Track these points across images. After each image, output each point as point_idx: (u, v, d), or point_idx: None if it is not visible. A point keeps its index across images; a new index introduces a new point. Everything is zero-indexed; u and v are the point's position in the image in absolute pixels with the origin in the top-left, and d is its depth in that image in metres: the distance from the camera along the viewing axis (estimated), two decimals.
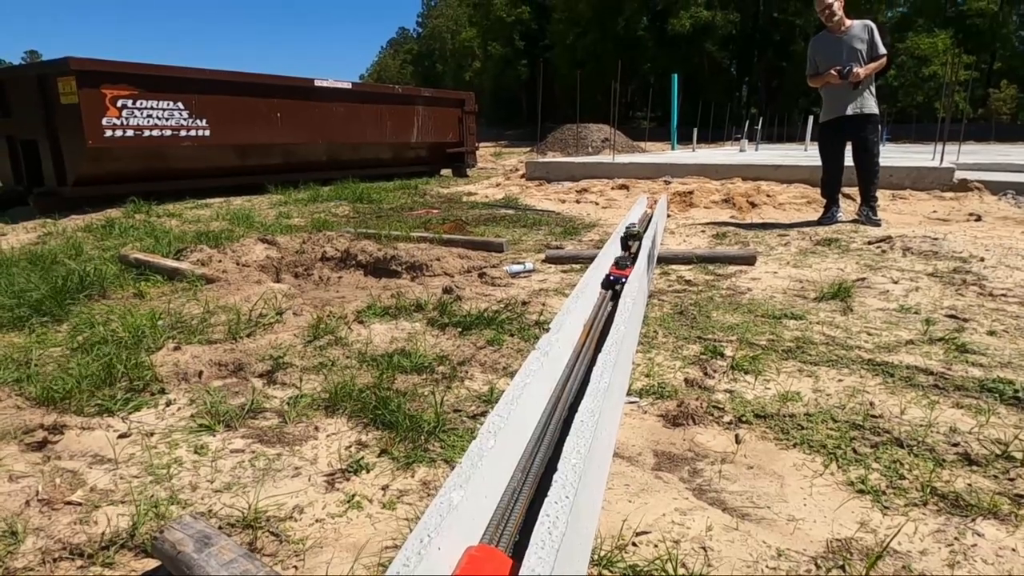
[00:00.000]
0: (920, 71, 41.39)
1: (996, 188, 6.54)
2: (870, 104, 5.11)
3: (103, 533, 1.32)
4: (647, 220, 4.29)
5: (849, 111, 5.09)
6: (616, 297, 2.17)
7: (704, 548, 1.25)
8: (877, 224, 5.15)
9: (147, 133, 7.12)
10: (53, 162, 6.83)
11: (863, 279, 3.42)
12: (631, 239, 3.03)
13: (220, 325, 2.68)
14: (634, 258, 2.67)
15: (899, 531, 1.28)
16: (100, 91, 6.63)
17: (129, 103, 6.91)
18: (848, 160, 5.31)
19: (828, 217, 5.38)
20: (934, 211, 6.00)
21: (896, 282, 3.36)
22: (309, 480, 1.53)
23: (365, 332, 2.62)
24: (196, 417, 1.85)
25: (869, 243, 4.44)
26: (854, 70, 4.95)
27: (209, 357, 2.26)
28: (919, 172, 6.90)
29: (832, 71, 5.03)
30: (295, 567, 1.23)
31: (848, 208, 5.75)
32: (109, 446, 1.68)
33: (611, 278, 2.42)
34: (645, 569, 1.18)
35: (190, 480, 1.53)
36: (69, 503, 1.43)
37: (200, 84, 7.66)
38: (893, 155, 11.15)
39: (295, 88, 8.89)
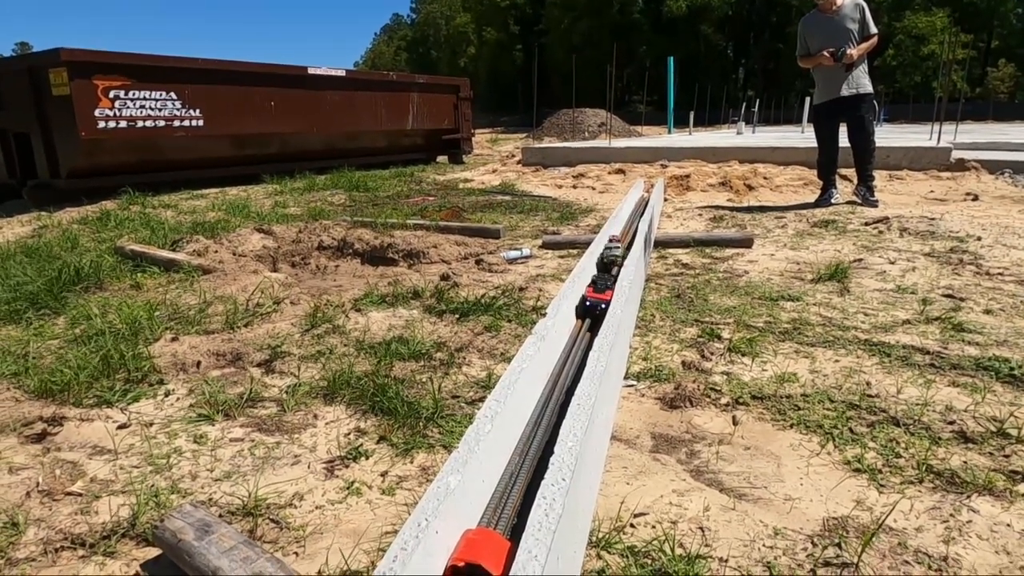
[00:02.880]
0: (918, 50, 41.17)
1: (993, 167, 6.51)
2: (864, 83, 5.07)
3: (104, 523, 1.33)
4: (644, 204, 4.28)
5: (844, 92, 5.05)
6: (597, 324, 1.74)
7: (701, 528, 1.26)
8: (874, 204, 5.14)
9: (140, 124, 7.06)
10: (46, 154, 6.78)
11: (860, 260, 3.42)
12: (612, 264, 2.44)
13: (217, 315, 2.68)
14: (619, 268, 2.24)
15: (895, 508, 1.30)
16: (92, 82, 6.57)
17: (122, 94, 6.84)
18: (843, 140, 5.29)
19: (825, 199, 5.37)
20: (931, 191, 5.99)
21: (893, 262, 3.36)
22: (308, 468, 1.54)
23: (362, 320, 2.62)
24: (195, 407, 1.85)
25: (866, 224, 4.44)
26: (847, 52, 4.91)
27: (207, 347, 2.27)
28: (916, 152, 6.88)
29: (824, 53, 4.98)
30: (296, 553, 1.24)
31: (845, 189, 5.74)
32: (108, 437, 1.69)
33: (588, 303, 1.96)
34: (643, 550, 1.19)
35: (190, 469, 1.53)
36: (69, 494, 1.44)
37: (193, 74, 7.58)
38: (890, 135, 11.11)
39: (289, 76, 8.81)
